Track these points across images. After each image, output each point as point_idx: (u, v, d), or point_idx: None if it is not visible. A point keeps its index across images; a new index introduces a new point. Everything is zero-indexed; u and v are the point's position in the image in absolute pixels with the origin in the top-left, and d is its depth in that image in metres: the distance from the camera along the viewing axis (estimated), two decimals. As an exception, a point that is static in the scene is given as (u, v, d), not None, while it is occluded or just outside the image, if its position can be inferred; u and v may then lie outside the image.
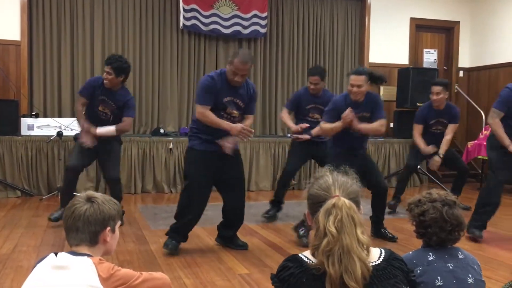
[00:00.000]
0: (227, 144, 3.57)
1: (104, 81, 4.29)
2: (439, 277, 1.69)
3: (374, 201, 4.15)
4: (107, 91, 4.33)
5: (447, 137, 5.15)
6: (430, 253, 1.76)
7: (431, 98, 5.14)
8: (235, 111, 3.63)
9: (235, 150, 3.71)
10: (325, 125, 4.02)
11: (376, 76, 4.00)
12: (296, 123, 4.84)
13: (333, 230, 1.33)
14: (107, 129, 4.36)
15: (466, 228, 4.21)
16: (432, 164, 5.19)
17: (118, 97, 4.36)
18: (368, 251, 1.37)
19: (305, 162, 5.24)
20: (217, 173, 3.65)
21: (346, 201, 1.38)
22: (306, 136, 4.67)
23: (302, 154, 4.83)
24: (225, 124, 3.54)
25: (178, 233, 3.70)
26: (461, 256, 1.77)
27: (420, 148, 5.16)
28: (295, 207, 5.21)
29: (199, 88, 3.63)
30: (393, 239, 4.11)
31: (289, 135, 5.24)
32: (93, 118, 4.37)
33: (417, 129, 5.23)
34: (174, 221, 3.74)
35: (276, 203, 4.94)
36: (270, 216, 4.88)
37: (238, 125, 3.54)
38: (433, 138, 5.20)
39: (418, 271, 1.71)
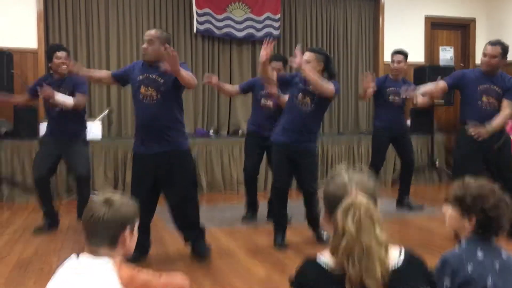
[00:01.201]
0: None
1: (63, 67, 4.20)
2: (490, 277, 1.62)
3: (305, 202, 4.05)
4: (54, 82, 4.26)
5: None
6: (479, 250, 1.68)
7: (391, 66, 5.10)
8: (150, 88, 3.35)
9: (179, 151, 3.43)
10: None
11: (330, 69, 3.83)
12: (253, 111, 4.78)
13: (352, 229, 1.32)
14: (66, 99, 4.21)
15: None
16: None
17: (69, 82, 4.27)
18: (386, 249, 1.35)
19: (262, 159, 4.96)
20: (155, 179, 3.42)
21: (364, 199, 1.37)
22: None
23: (260, 151, 4.69)
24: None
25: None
26: (504, 257, 1.70)
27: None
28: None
29: None
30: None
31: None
32: (50, 116, 4.35)
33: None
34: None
35: (252, 205, 4.85)
36: (248, 218, 4.80)
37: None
38: (390, 111, 5.04)
39: (469, 268, 1.63)
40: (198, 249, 3.61)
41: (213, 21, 7.01)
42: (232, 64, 7.26)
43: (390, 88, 5.06)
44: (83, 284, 1.58)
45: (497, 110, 3.97)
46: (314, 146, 3.95)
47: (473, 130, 3.79)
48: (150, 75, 3.39)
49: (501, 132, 4.05)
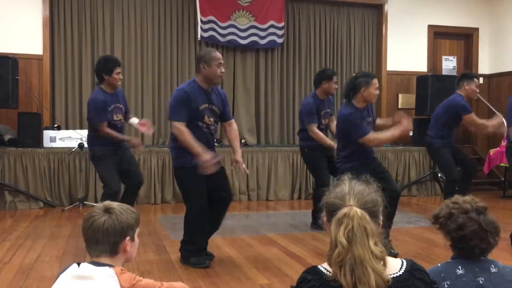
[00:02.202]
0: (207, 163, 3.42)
1: (119, 83, 4.37)
2: None
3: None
4: (111, 97, 4.35)
5: None
6: (459, 266, 1.67)
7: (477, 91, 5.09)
8: (211, 119, 3.62)
9: (219, 163, 3.64)
10: (379, 136, 3.85)
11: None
12: (307, 133, 4.74)
13: (343, 240, 1.32)
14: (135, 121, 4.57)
15: None
16: None
17: (120, 95, 4.46)
18: (384, 261, 1.34)
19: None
20: (209, 186, 3.61)
21: (358, 210, 1.36)
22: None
23: (325, 161, 4.73)
24: (196, 148, 3.41)
25: (199, 251, 3.68)
26: (493, 270, 1.67)
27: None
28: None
29: (172, 103, 3.55)
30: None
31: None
32: (112, 128, 4.32)
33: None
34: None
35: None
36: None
37: (208, 156, 3.39)
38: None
39: (446, 286, 1.63)
40: (207, 252, 3.80)
41: (217, 28, 7.04)
42: (236, 71, 7.28)
43: None
44: (84, 291, 1.58)
45: None
46: None
47: None
48: (210, 106, 3.62)
49: None
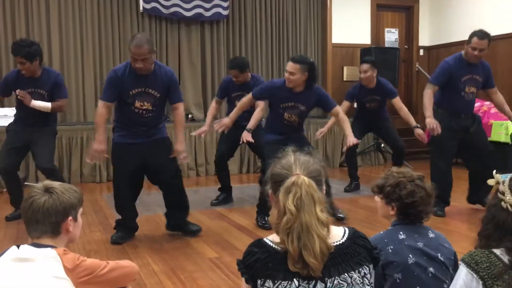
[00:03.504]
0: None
1: (22, 72, 4.04)
2: (411, 255, 1.71)
3: None
4: (29, 80, 4.11)
5: (404, 111, 5.02)
6: (401, 232, 1.78)
7: (360, 76, 5.16)
8: (145, 103, 3.42)
9: (162, 138, 3.60)
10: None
11: (313, 75, 3.74)
12: (228, 109, 4.74)
13: (292, 208, 1.35)
14: (43, 104, 4.13)
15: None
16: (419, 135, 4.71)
17: (44, 81, 4.16)
18: (328, 228, 1.39)
19: (236, 147, 4.89)
20: (142, 164, 3.53)
21: (306, 179, 1.39)
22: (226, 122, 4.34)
23: (232, 139, 4.59)
24: (97, 134, 3.45)
25: (123, 225, 3.71)
26: (431, 235, 1.80)
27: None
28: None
29: (105, 81, 3.50)
30: (341, 219, 4.04)
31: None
32: (26, 114, 4.17)
33: (345, 106, 5.08)
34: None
35: (223, 189, 4.95)
36: (220, 201, 4.87)
37: (96, 145, 3.41)
38: (369, 114, 5.24)
39: (390, 250, 1.72)
40: (193, 228, 3.78)
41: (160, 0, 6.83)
42: (181, 44, 7.12)
43: (367, 98, 5.20)
44: (26, 273, 1.53)
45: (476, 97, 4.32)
46: None
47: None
48: (146, 89, 3.42)
49: (473, 116, 4.32)
